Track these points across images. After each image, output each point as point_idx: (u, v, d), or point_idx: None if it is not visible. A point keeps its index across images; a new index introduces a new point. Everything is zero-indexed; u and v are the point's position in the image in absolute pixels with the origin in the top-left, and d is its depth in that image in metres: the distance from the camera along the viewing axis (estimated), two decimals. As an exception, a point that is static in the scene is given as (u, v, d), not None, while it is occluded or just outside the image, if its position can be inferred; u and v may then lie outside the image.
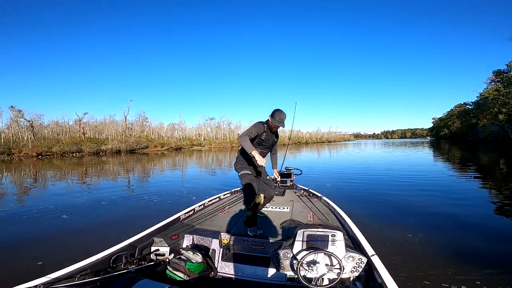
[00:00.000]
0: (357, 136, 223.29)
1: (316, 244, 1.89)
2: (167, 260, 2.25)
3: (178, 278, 2.12)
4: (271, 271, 2.26)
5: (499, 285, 2.50)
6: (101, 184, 9.61)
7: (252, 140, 2.84)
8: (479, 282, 2.52)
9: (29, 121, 35.07)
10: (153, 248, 2.33)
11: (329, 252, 1.81)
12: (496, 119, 42.98)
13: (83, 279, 1.66)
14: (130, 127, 48.66)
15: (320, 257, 1.82)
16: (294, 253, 1.89)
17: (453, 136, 67.39)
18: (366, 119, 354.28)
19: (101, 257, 1.86)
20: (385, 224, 4.32)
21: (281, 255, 1.93)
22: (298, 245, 1.91)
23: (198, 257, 2.27)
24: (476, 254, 3.18)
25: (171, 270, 2.15)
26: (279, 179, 3.23)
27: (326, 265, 1.80)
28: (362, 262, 1.86)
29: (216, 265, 2.40)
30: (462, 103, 67.50)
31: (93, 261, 1.80)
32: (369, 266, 1.90)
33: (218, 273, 2.36)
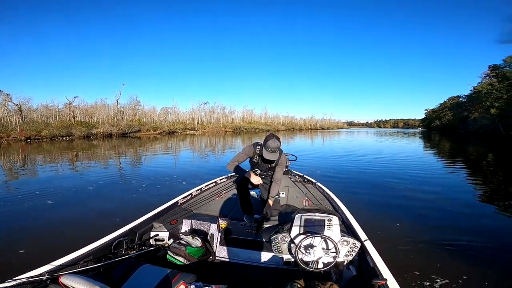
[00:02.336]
0: (351, 124, 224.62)
1: (313, 229, 1.93)
2: (167, 245, 2.27)
3: (178, 263, 2.14)
4: (268, 255, 2.31)
5: (479, 269, 2.68)
6: (93, 168, 9.44)
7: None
8: (464, 272, 2.64)
9: (17, 104, 33.99)
10: (152, 233, 2.35)
11: (325, 236, 1.86)
12: (488, 113, 43.60)
13: (86, 266, 1.66)
14: (122, 110, 47.63)
15: (317, 241, 1.87)
16: (292, 237, 1.94)
17: (444, 128, 68.29)
18: (360, 108, 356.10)
19: (102, 243, 1.87)
20: (376, 212, 4.44)
21: (279, 239, 1.97)
22: (295, 229, 1.96)
23: (197, 242, 2.29)
24: (459, 243, 3.31)
25: (172, 254, 2.17)
26: (268, 215, 2.54)
27: (323, 248, 1.86)
28: (356, 247, 1.92)
29: (214, 250, 2.44)
30: (455, 95, 68.05)
31: (94, 248, 1.80)
32: (362, 250, 1.96)
33: (216, 257, 2.40)
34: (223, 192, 3.57)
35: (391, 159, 11.62)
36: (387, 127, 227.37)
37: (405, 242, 3.28)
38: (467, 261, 2.86)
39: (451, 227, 3.86)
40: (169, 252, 2.18)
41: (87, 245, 1.79)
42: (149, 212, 2.44)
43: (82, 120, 41.67)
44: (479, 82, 50.44)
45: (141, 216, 2.34)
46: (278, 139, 2.49)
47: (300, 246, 1.83)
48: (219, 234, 2.48)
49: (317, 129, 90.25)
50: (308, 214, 1.99)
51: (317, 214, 1.99)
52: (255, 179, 2.54)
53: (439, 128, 72.02)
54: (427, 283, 2.39)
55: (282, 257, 2.19)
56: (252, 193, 3.22)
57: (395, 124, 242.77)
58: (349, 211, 2.63)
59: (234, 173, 4.47)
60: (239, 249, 2.39)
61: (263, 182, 2.79)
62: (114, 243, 1.93)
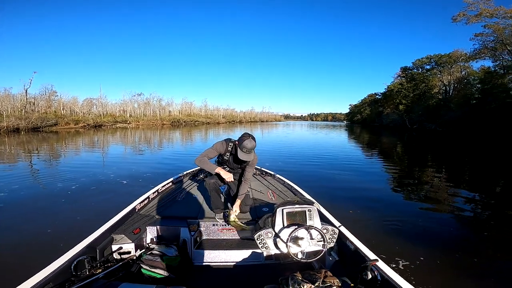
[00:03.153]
0: (287, 117, 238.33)
1: (296, 220, 1.95)
2: (134, 257, 2.01)
3: (158, 276, 1.91)
4: (247, 252, 2.25)
5: (404, 241, 3.17)
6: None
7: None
8: (396, 247, 3.08)
9: None
10: (115, 247, 2.04)
11: (313, 227, 1.90)
12: (397, 109, 51.87)
13: None
14: (33, 101, 40.15)
15: (303, 232, 1.89)
16: (276, 231, 1.94)
17: (364, 121, 78.37)
18: (295, 102, 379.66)
19: (59, 267, 1.53)
20: (327, 199, 4.55)
21: (264, 235, 1.96)
22: (279, 223, 1.95)
23: (172, 249, 2.09)
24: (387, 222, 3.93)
25: (148, 268, 1.93)
26: (236, 213, 2.48)
27: (311, 239, 1.89)
28: (335, 233, 2.00)
29: (190, 255, 2.25)
30: (373, 93, 78.34)
31: (51, 273, 1.46)
32: (339, 236, 2.03)
33: (194, 263, 2.23)
34: (183, 192, 3.33)
35: (331, 151, 12.94)
36: (318, 120, 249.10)
37: (360, 227, 3.51)
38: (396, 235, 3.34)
39: (379, 209, 4.47)
40: (143, 265, 1.95)
41: (36, 272, 1.45)
42: (105, 223, 2.12)
43: (-25, 112, 33.65)
44: (392, 82, 59.09)
45: (97, 229, 2.02)
46: (254, 138, 2.38)
47: (289, 239, 1.85)
48: (192, 237, 2.30)
49: (257, 122, 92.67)
50: (289, 207, 1.99)
51: (297, 206, 2.00)
52: (227, 176, 2.43)
53: (360, 122, 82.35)
54: (393, 265, 2.63)
55: (263, 252, 2.15)
56: None
57: (325, 117, 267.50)
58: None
59: (192, 171, 4.32)
60: (216, 250, 2.27)
61: (234, 174, 2.71)
62: (74, 264, 1.63)
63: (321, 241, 1.91)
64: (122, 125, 41.41)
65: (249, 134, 2.38)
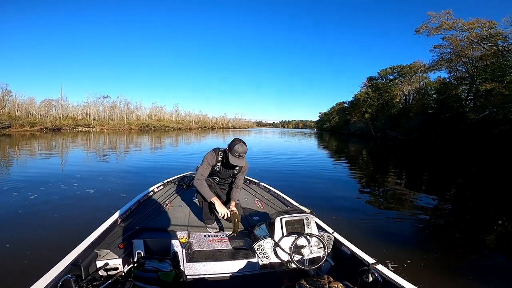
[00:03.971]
0: (259, 124, 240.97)
1: (294, 229, 1.99)
2: (123, 273, 1.84)
3: None
4: (242, 263, 2.16)
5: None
6: None
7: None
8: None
9: None
10: (100, 263, 1.88)
11: (314, 234, 1.94)
12: (364, 117, 54.85)
13: None
14: (-19, 101, 36.28)
15: (302, 240, 1.93)
16: (276, 240, 1.95)
17: (332, 129, 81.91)
18: (267, 109, 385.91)
19: None
20: (309, 206, 4.75)
21: (264, 245, 1.97)
22: (278, 232, 1.97)
23: (167, 264, 1.94)
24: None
25: (142, 285, 1.77)
26: (234, 208, 2.45)
27: (311, 246, 1.93)
28: (331, 239, 2.05)
29: (183, 269, 2.12)
30: (342, 101, 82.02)
31: None
32: (334, 242, 2.07)
33: (188, 277, 2.08)
34: (167, 201, 3.15)
35: (306, 158, 13.29)
36: (290, 127, 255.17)
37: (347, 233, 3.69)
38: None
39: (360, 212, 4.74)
40: (137, 283, 1.79)
41: None
42: (86, 238, 1.95)
43: None
44: (359, 91, 62.24)
45: (78, 244, 1.85)
46: (245, 143, 2.34)
47: (292, 248, 1.88)
48: (183, 250, 2.17)
49: (229, 128, 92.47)
50: (287, 216, 2.03)
51: (294, 214, 2.04)
52: (221, 210, 2.30)
53: (329, 129, 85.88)
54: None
55: (258, 262, 2.12)
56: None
57: (296, 125, 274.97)
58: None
59: (173, 179, 4.15)
60: (209, 262, 2.17)
61: (221, 188, 2.64)
62: (59, 285, 1.47)
63: (321, 247, 1.96)
64: (85, 129, 38.89)
65: (239, 139, 2.34)
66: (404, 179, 8.78)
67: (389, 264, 2.82)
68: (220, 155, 2.46)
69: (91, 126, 41.76)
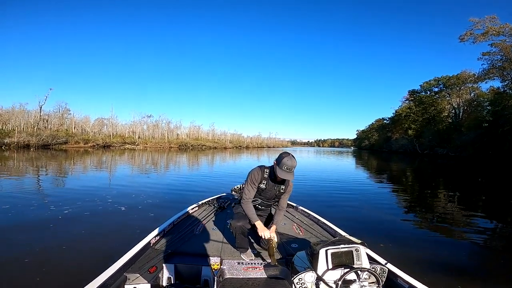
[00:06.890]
0: (294, 143, 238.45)
1: (342, 261, 1.80)
2: None
3: None
4: None
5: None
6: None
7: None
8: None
9: None
10: None
11: (366, 268, 1.76)
12: (407, 134, 51.10)
13: None
14: (46, 118, 41.41)
15: (351, 274, 1.75)
16: (320, 273, 1.76)
17: (372, 147, 77.99)
18: (302, 127, 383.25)
19: None
20: (354, 232, 4.28)
21: (304, 278, 1.79)
22: (322, 265, 1.78)
23: None
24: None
25: None
26: (276, 239, 2.20)
27: (361, 281, 1.75)
28: (385, 272, 1.88)
29: None
30: (381, 118, 78.17)
31: None
32: (388, 274, 1.91)
33: None
34: (201, 225, 3.06)
35: (346, 180, 12.06)
36: (325, 146, 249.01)
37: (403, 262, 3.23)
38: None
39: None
40: None
41: None
42: (117, 261, 1.88)
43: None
44: (400, 106, 58.68)
45: (107, 268, 1.78)
46: (294, 157, 2.21)
47: (338, 284, 1.71)
48: (215, 277, 2.05)
49: (263, 147, 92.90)
50: (334, 247, 1.83)
51: (342, 245, 1.84)
52: (263, 232, 2.18)
53: (368, 147, 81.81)
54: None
55: None
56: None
57: (332, 143, 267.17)
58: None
59: (208, 200, 4.03)
60: None
61: (259, 215, 2.46)
62: None
63: (373, 282, 1.75)
64: (130, 147, 41.89)
65: (288, 152, 2.24)
66: (459, 200, 7.62)
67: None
68: (266, 171, 2.36)
69: (136, 144, 44.92)
